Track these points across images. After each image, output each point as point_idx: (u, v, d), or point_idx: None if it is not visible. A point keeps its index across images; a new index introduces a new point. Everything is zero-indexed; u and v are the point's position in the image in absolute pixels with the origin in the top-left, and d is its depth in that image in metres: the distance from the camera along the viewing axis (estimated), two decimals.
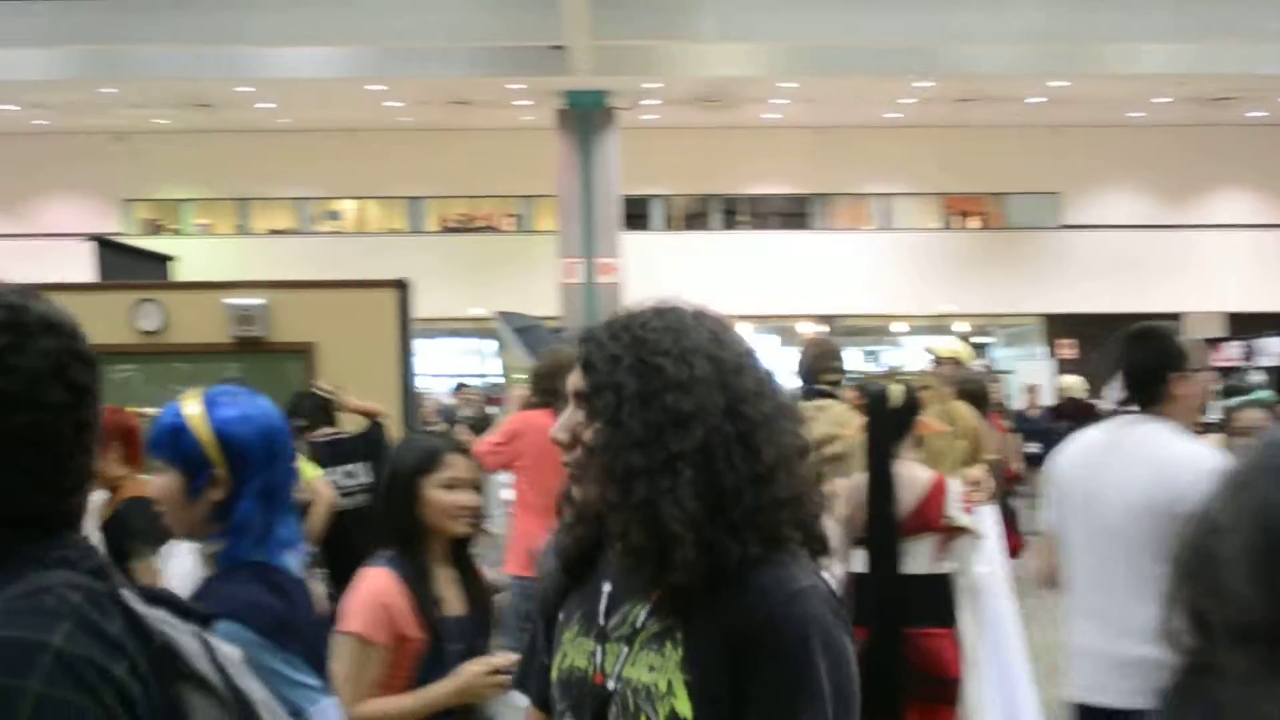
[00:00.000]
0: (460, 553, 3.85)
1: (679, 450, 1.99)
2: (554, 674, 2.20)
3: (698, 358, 2.05)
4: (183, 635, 1.55)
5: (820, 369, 7.01)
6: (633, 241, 25.90)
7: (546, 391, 7.24)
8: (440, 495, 3.76)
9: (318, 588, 4.44)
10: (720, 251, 29.95)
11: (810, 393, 6.92)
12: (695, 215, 32.06)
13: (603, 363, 2.07)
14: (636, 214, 29.30)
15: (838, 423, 6.47)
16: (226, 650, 1.61)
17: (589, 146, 24.34)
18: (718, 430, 2.01)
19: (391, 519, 3.79)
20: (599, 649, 2.11)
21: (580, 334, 2.16)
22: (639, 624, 2.06)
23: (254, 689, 1.62)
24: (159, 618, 1.53)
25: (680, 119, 28.44)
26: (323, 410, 8.35)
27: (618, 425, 2.02)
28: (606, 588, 2.15)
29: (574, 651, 2.16)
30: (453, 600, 3.77)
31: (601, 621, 2.13)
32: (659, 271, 26.45)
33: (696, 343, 2.07)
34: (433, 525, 3.76)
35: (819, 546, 2.10)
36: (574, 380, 2.13)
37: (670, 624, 2.01)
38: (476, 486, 3.85)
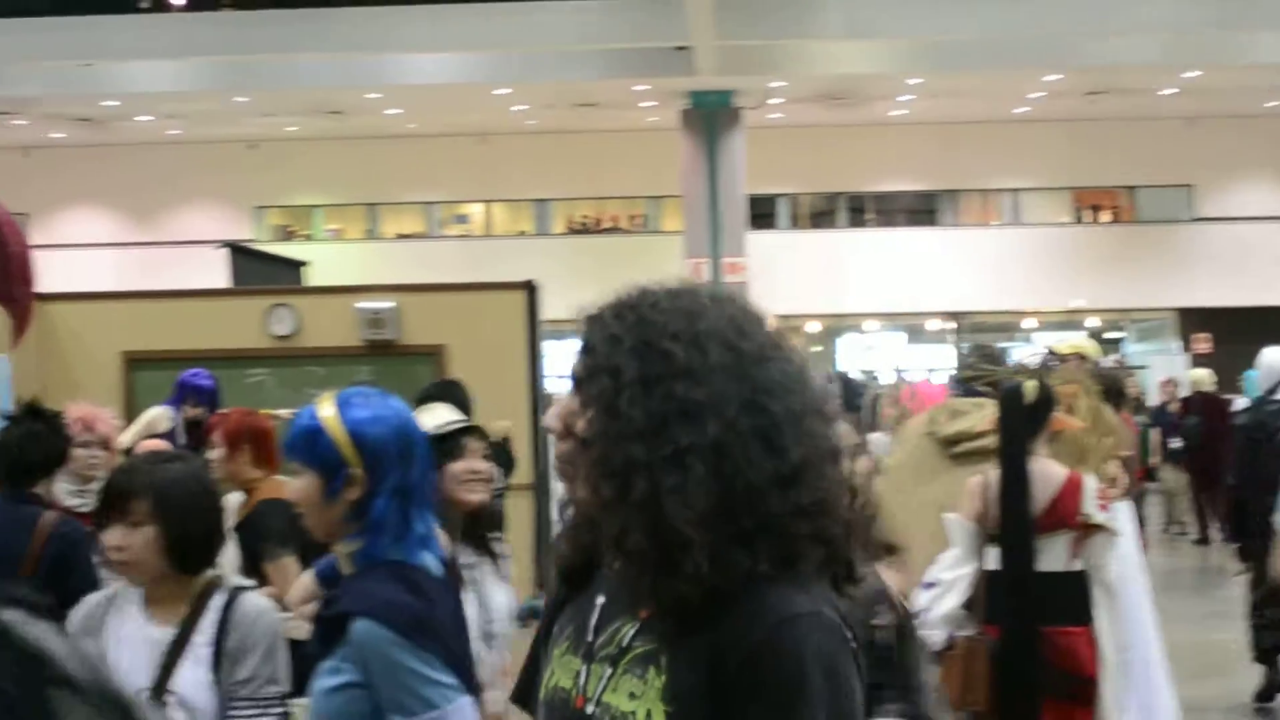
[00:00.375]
0: None
1: (688, 444, 1.77)
2: (541, 693, 2.01)
3: (713, 344, 1.82)
4: (48, 636, 1.50)
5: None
6: (759, 241, 25.86)
7: None
8: None
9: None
10: (847, 250, 29.79)
11: (967, 391, 6.96)
12: (822, 213, 31.91)
13: (602, 344, 1.87)
14: (762, 213, 29.23)
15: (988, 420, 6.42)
16: (92, 649, 1.55)
17: (714, 146, 24.33)
18: (734, 425, 1.79)
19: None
20: (584, 669, 1.91)
21: (584, 313, 1.96)
22: (625, 644, 1.85)
23: (125, 686, 1.56)
24: (19, 620, 1.48)
25: (806, 117, 28.31)
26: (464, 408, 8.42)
27: (615, 414, 1.81)
28: (600, 600, 1.94)
29: (561, 670, 1.96)
30: None
31: (590, 638, 1.92)
32: (785, 271, 26.41)
33: (713, 327, 1.84)
34: None
35: (845, 570, 1.86)
36: (573, 363, 1.94)
37: (658, 646, 1.81)
38: None
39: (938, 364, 26.94)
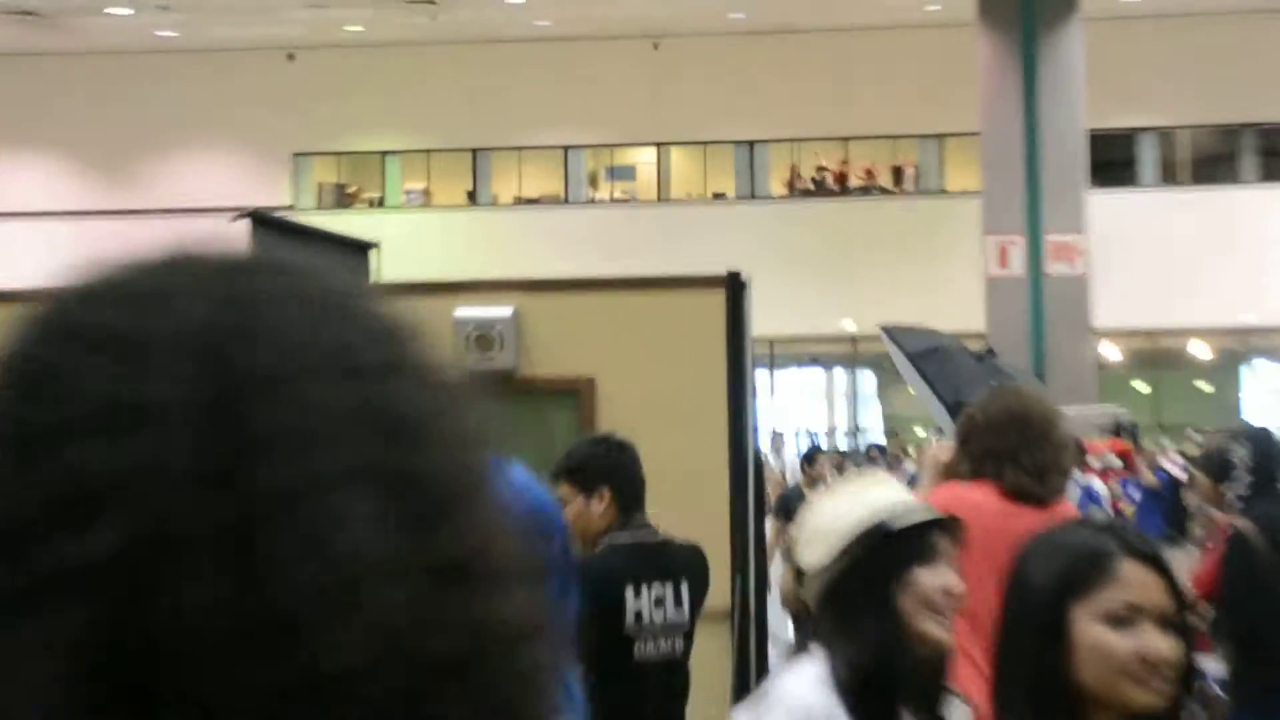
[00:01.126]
0: None
1: (71, 563, 1.28)
2: None
3: (169, 360, 1.31)
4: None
5: None
6: (1107, 207, 25.64)
7: (986, 455, 7.10)
8: (1106, 637, 3.46)
9: None
10: (1255, 219, 29.35)
11: None
12: (1212, 160, 31.54)
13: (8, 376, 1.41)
14: (1113, 160, 28.97)
15: None
16: None
17: (1033, 51, 24.18)
18: (174, 519, 1.28)
19: (1020, 671, 3.64)
20: None
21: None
22: None
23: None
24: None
25: (1181, 0, 28.07)
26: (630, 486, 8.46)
27: None
28: None
29: None
30: None
31: None
32: (1151, 255, 26.15)
33: (179, 330, 1.32)
34: (1094, 688, 3.49)
35: None
36: None
37: None
38: (1177, 623, 3.55)
39: None
